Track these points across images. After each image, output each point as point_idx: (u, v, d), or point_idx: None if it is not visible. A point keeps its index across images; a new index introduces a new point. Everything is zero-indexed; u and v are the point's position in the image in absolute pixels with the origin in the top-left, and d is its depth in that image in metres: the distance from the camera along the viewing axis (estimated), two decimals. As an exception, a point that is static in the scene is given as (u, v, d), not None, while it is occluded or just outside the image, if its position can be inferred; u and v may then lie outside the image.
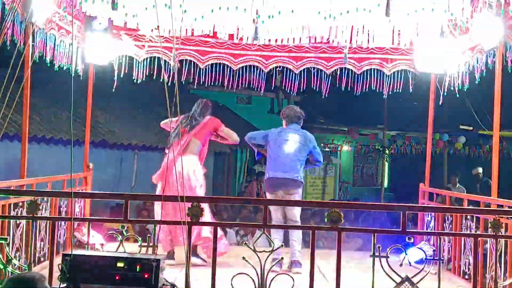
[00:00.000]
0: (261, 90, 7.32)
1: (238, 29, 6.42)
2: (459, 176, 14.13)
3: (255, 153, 6.63)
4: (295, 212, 6.01)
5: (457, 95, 6.42)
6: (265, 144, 6.24)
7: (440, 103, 6.73)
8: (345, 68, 7.07)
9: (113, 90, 6.98)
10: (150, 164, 10.71)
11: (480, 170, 14.22)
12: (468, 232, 5.51)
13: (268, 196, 6.16)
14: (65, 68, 6.31)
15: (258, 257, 3.96)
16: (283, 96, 17.41)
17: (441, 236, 5.96)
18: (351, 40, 6.54)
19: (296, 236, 6.01)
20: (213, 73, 7.12)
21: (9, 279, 3.00)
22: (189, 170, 6.00)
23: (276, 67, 7.15)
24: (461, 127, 17.76)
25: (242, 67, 7.14)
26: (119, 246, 4.24)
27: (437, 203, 6.97)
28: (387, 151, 19.64)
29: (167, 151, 6.05)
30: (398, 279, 4.03)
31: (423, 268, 4.10)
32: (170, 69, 6.83)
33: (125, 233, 4.23)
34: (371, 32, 6.44)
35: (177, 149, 5.34)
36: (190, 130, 6.25)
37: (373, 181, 22.13)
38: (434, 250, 4.76)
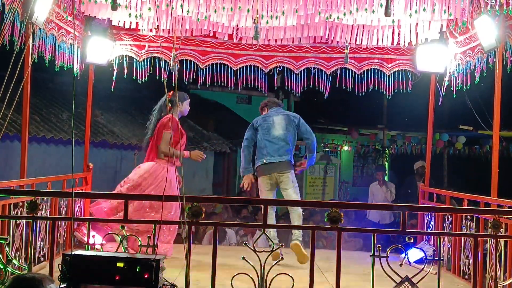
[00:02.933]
0: (263, 91, 7.33)
1: (238, 29, 6.45)
2: (385, 172, 13.33)
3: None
4: (290, 192, 6.18)
5: (454, 96, 6.42)
6: (255, 135, 6.37)
7: (440, 103, 6.73)
8: (345, 68, 7.08)
9: (113, 90, 7.00)
10: (150, 164, 10.71)
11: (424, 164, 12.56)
12: (468, 232, 5.51)
13: (260, 179, 6.28)
14: (65, 68, 6.31)
15: (258, 257, 3.96)
16: (283, 96, 17.38)
17: (441, 236, 5.96)
18: (351, 40, 6.57)
19: (296, 215, 6.12)
20: (213, 73, 7.12)
21: (15, 278, 2.93)
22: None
23: (276, 67, 7.15)
24: (461, 127, 17.70)
25: (242, 67, 7.15)
26: (119, 246, 4.24)
27: (437, 203, 6.97)
28: (387, 151, 19.62)
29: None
30: (398, 279, 4.03)
31: (423, 268, 4.10)
32: (170, 69, 6.83)
33: (125, 233, 4.22)
34: (371, 32, 6.47)
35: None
36: (150, 138, 6.32)
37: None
38: (434, 250, 4.75)
